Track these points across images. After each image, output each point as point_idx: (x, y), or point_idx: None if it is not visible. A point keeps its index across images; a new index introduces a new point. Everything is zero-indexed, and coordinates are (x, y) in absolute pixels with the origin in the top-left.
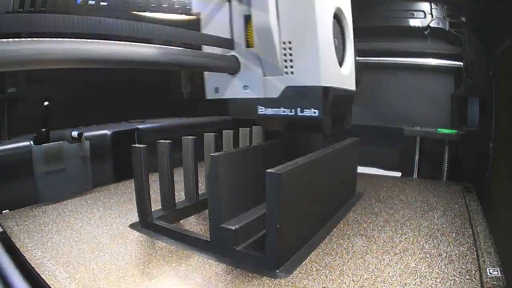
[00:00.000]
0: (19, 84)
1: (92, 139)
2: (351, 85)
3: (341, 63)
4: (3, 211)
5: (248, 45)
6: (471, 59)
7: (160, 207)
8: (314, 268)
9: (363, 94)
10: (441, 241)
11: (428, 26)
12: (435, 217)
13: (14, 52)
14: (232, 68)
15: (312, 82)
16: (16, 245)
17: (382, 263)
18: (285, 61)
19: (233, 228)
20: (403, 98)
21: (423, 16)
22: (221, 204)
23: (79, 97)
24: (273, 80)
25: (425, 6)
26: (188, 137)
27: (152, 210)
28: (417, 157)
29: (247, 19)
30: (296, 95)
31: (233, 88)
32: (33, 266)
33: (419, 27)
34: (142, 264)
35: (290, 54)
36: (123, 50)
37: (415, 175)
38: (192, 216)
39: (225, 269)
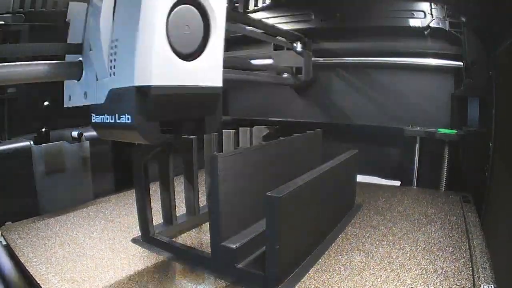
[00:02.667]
0: (19, 84)
1: (92, 139)
2: (210, 81)
3: (192, 55)
4: (6, 223)
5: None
6: (471, 59)
7: (162, 219)
8: (313, 286)
9: (363, 94)
10: (437, 256)
11: (428, 26)
12: (433, 230)
13: None
14: (73, 74)
15: (127, 82)
16: (21, 259)
17: (379, 280)
18: (111, 61)
19: (234, 246)
20: (403, 98)
21: (423, 16)
22: (222, 222)
23: None
24: (101, 83)
25: (425, 6)
26: (188, 136)
27: (154, 222)
28: (416, 160)
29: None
30: (115, 98)
31: (77, 95)
32: (38, 282)
33: (419, 27)
34: (145, 281)
35: (115, 53)
36: None
37: (414, 182)
38: (194, 230)
39: (226, 287)
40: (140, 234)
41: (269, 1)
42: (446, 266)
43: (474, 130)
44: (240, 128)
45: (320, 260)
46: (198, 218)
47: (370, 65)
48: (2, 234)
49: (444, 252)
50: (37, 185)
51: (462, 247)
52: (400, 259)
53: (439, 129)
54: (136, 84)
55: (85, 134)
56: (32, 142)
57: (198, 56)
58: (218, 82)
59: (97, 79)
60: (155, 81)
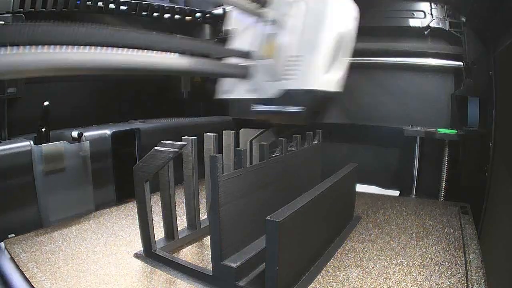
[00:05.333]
0: (19, 84)
1: (92, 139)
2: (335, 88)
3: (329, 70)
4: (9, 236)
5: (263, 56)
6: (471, 59)
7: (164, 231)
8: None
9: (362, 94)
10: (433, 271)
11: (428, 26)
12: (430, 244)
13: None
14: (246, 74)
15: (302, 86)
16: (26, 274)
17: None
18: (287, 70)
19: (235, 266)
20: (403, 98)
21: (423, 16)
22: (222, 241)
23: (79, 97)
24: (273, 84)
25: (425, 6)
26: (188, 137)
27: (156, 233)
28: (416, 162)
29: (268, 37)
30: (288, 95)
31: (241, 90)
32: None
33: (419, 27)
34: None
35: (293, 65)
36: (165, 61)
37: (414, 188)
38: (195, 244)
39: None
40: (142, 249)
41: None
42: (441, 282)
43: (474, 130)
44: (240, 128)
45: (319, 277)
46: (199, 232)
47: (370, 65)
48: (6, 248)
49: (440, 268)
50: (37, 185)
51: (458, 262)
52: (396, 275)
53: (439, 129)
54: (309, 88)
55: (85, 134)
56: (32, 142)
57: (330, 70)
58: (337, 88)
59: (267, 81)
60: (318, 87)
